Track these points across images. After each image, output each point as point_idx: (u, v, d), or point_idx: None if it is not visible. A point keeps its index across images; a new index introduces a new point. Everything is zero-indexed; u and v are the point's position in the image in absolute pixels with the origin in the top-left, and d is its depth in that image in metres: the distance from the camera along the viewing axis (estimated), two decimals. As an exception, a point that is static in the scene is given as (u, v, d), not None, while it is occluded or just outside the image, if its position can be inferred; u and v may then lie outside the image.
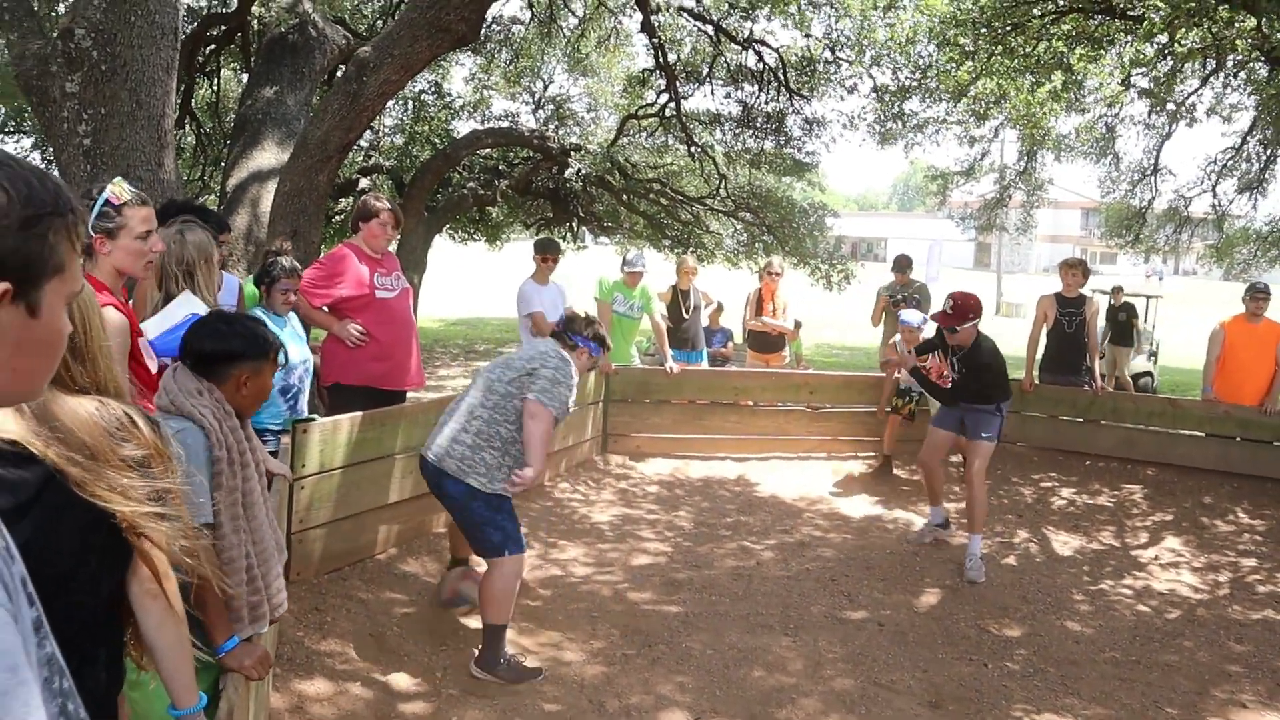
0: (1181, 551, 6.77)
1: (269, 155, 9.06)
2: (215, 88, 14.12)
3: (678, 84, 13.39)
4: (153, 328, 3.36)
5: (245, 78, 12.27)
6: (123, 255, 3.02)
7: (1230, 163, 14.36)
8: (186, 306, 3.47)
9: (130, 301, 3.35)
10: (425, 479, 4.55)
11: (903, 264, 9.01)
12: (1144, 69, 11.89)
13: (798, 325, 9.21)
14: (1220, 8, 8.72)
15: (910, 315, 7.48)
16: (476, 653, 4.40)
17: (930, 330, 7.44)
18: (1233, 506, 7.55)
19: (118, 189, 2.98)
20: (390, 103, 15.04)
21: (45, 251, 1.01)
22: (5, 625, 0.89)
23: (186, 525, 1.80)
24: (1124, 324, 13.79)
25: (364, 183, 14.14)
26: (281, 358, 2.74)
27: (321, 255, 6.35)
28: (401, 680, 4.25)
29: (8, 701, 0.85)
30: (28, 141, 15.64)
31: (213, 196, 13.44)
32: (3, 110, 16.04)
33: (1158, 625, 5.49)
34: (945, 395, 6.40)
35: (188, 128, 13.79)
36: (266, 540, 2.67)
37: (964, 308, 6.08)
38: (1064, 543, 6.84)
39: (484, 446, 4.34)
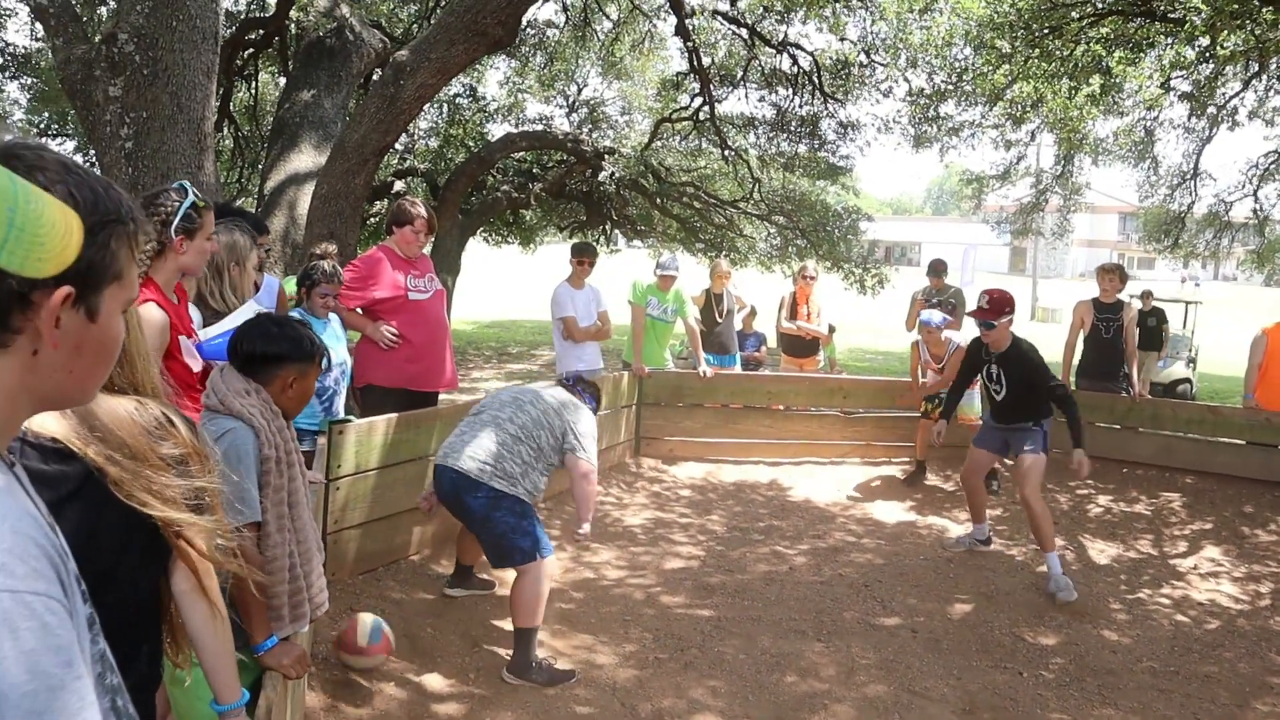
0: (1221, 561, 6.68)
1: (306, 158, 9.16)
2: (253, 91, 14.29)
3: (712, 87, 13.39)
4: (213, 331, 3.42)
5: (283, 81, 12.40)
6: (194, 255, 3.14)
7: (1272, 166, 14.16)
8: (250, 313, 3.52)
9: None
10: (442, 495, 4.53)
11: (938, 268, 8.97)
12: (1184, 72, 11.73)
13: (831, 330, 9.19)
14: (1264, 10, 8.60)
15: (930, 315, 7.47)
16: (509, 657, 4.42)
17: (956, 334, 7.42)
18: (1274, 515, 7.43)
19: (194, 192, 3.06)
20: (425, 106, 15.18)
21: (107, 258, 1.04)
22: (63, 622, 0.91)
23: (223, 525, 1.82)
24: (1153, 330, 13.33)
25: (399, 185, 14.25)
26: (324, 363, 2.79)
27: (357, 257, 6.41)
28: (434, 681, 4.27)
29: (65, 696, 0.86)
30: (71, 145, 15.90)
31: (250, 199, 13.60)
32: (47, 114, 16.30)
33: (1197, 636, 5.41)
34: (995, 408, 6.27)
35: (226, 131, 13.97)
36: (309, 539, 2.72)
37: (999, 301, 5.96)
38: (1101, 551, 6.77)
39: (508, 458, 4.43)
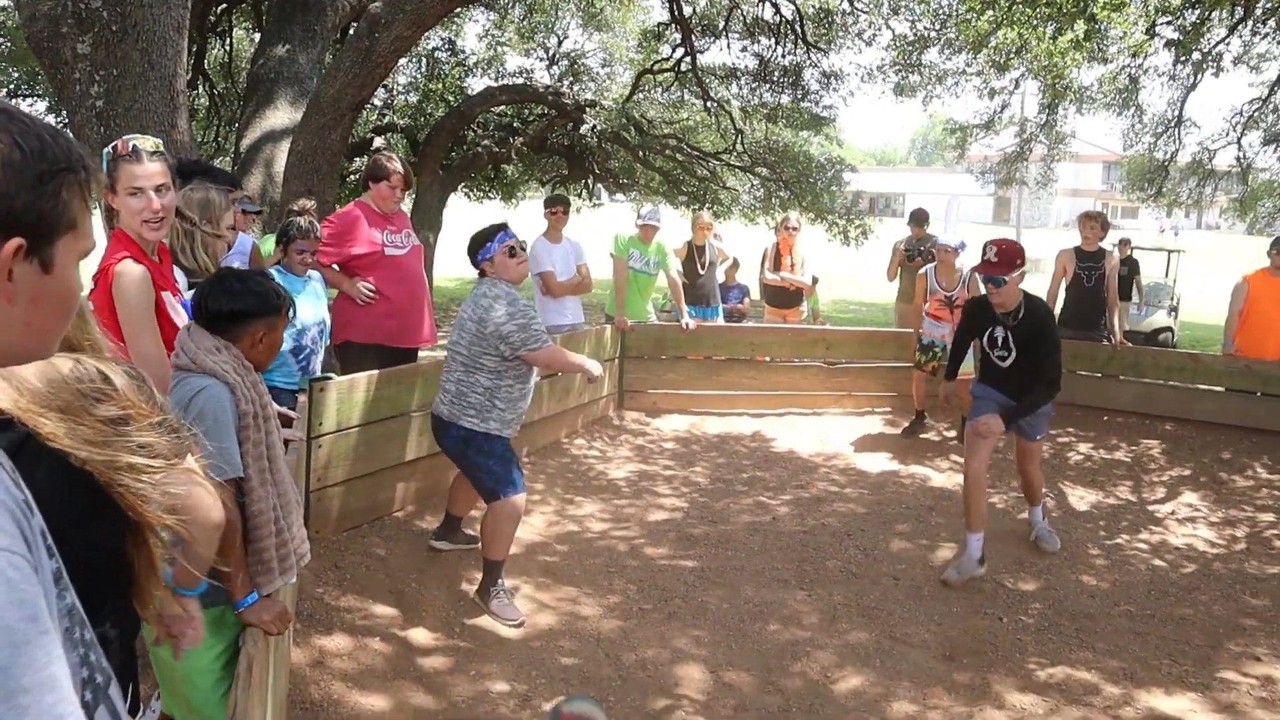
0: (1199, 506, 6.76)
1: (282, 115, 9.03)
2: (228, 47, 14.07)
3: (693, 38, 13.25)
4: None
5: (257, 37, 12.21)
6: (122, 210, 3.02)
7: (1257, 114, 14.13)
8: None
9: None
10: (434, 435, 4.77)
11: (920, 218, 8.95)
12: (1169, 18, 11.67)
13: (815, 281, 9.19)
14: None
15: (950, 237, 7.47)
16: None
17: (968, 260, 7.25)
18: (1252, 462, 7.51)
19: (130, 142, 2.98)
20: (403, 60, 14.96)
21: (59, 207, 1.02)
22: (27, 576, 0.90)
23: (176, 476, 1.80)
24: (1124, 279, 12.96)
25: (378, 141, 14.09)
26: (291, 312, 2.78)
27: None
28: (420, 635, 4.30)
29: (31, 651, 0.86)
30: (42, 105, 15.64)
31: (228, 158, 13.44)
32: (16, 74, 16.03)
33: (1173, 579, 5.49)
34: (998, 377, 5.47)
35: (201, 89, 13.77)
36: (289, 492, 2.73)
37: (1009, 253, 5.19)
38: (1080, 498, 6.84)
39: (468, 391, 4.52)
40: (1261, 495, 6.96)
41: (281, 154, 8.21)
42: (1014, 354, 5.32)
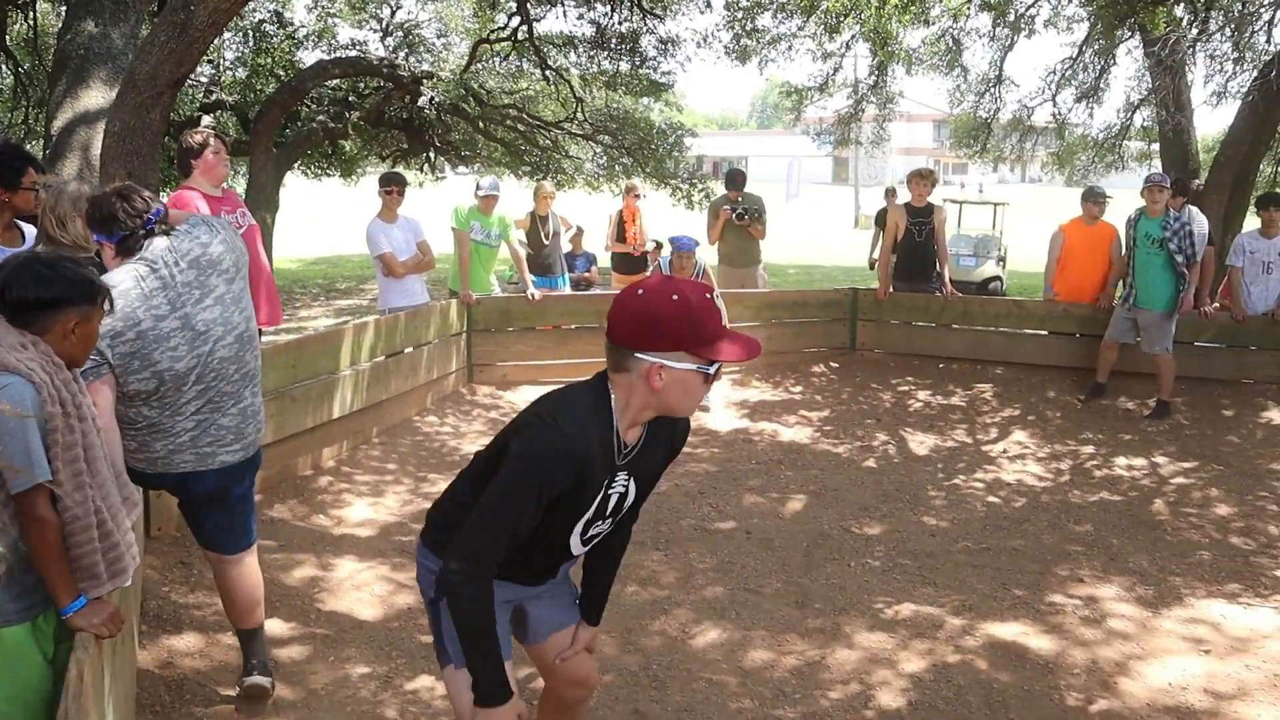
0: (1028, 444, 7.15)
1: (96, 94, 8.53)
2: (32, 21, 13.18)
3: (529, 6, 13.11)
4: None
5: (64, 10, 11.47)
6: None
7: (1069, 72, 14.86)
8: None
9: None
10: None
11: (737, 179, 9.04)
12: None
13: (658, 245, 9.27)
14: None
15: (687, 240, 7.57)
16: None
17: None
18: (1072, 399, 7.98)
19: None
20: (228, 34, 14.33)
21: None
22: None
23: None
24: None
25: (206, 120, 13.48)
26: (108, 304, 2.59)
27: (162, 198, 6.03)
28: (275, 625, 4.18)
29: None
30: None
31: (38, 141, 12.64)
32: None
33: (1006, 514, 5.80)
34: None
35: (4, 67, 12.89)
36: (112, 494, 2.56)
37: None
38: (920, 442, 7.14)
39: None
40: (1083, 431, 7.40)
41: (98, 136, 7.76)
42: None
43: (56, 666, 2.45)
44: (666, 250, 7.78)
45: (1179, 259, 7.43)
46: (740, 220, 8.71)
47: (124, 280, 3.08)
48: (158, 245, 3.18)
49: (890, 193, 12.19)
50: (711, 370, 2.16)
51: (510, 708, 2.24)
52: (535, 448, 2.14)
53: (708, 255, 9.77)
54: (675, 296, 2.11)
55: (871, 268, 13.02)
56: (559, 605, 2.53)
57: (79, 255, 3.53)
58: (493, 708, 2.23)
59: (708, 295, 2.15)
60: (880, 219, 11.55)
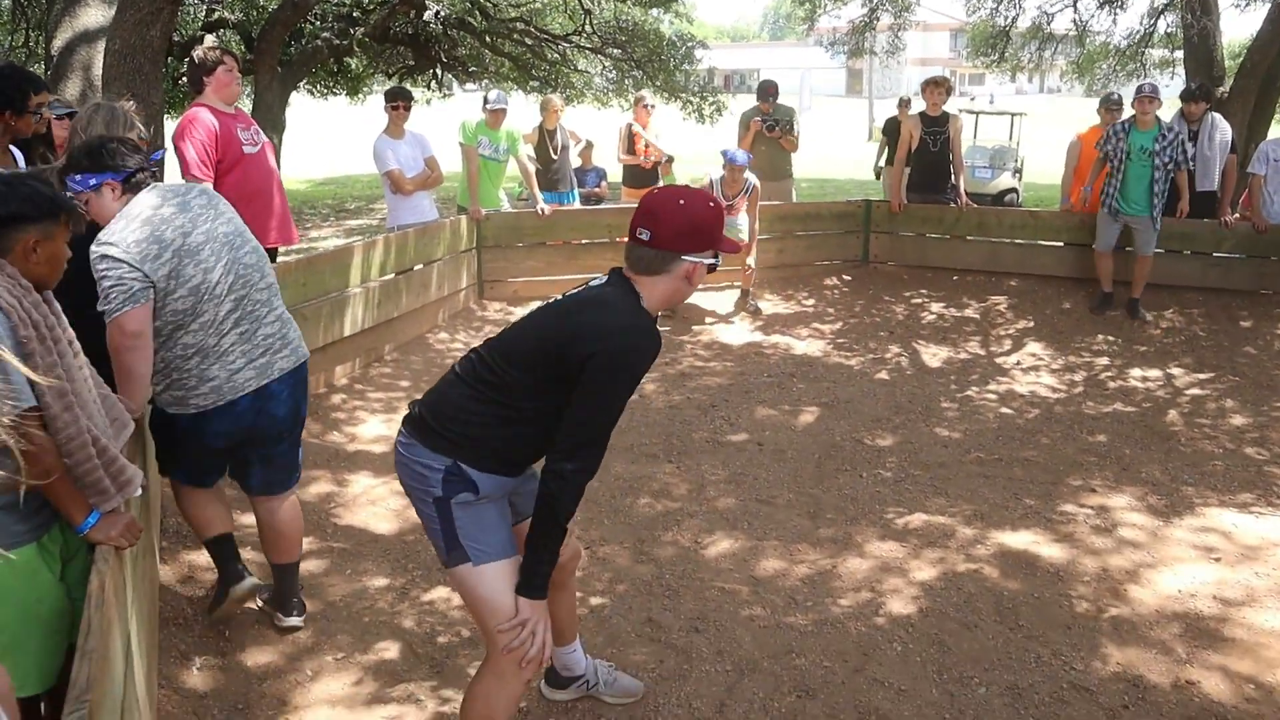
0: (1041, 356, 7.12)
1: (95, 13, 8.38)
2: (27, -61, 12.94)
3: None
4: None
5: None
6: None
7: (1091, -25, 14.46)
8: None
9: None
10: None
11: (768, 91, 8.88)
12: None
13: (670, 160, 9.14)
14: None
15: (739, 154, 7.53)
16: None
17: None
18: (1087, 311, 7.92)
19: None
20: (228, -53, 14.03)
21: None
22: None
23: None
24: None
25: (209, 39, 13.26)
26: (71, 221, 2.47)
27: (167, 119, 5.95)
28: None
29: None
30: None
31: (40, 63, 12.48)
32: None
33: (1019, 425, 5.80)
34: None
35: (1, -13, 12.67)
36: (96, 417, 2.50)
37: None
38: (933, 355, 7.12)
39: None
40: (1098, 341, 7.36)
41: (98, 56, 7.65)
42: None
43: (66, 584, 2.46)
44: (680, 168, 7.68)
45: (1172, 169, 7.50)
46: (771, 132, 8.57)
47: (145, 205, 3.05)
48: (161, 184, 3.17)
49: (904, 102, 11.89)
50: (716, 262, 2.52)
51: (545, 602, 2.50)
52: (640, 346, 2.38)
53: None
54: (711, 203, 2.46)
55: (878, 177, 12.83)
56: (532, 492, 2.57)
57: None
58: (540, 600, 2.47)
59: (713, 204, 2.49)
60: (889, 129, 11.26)
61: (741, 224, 7.73)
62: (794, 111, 8.89)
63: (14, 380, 2.21)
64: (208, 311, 3.12)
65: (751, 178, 7.68)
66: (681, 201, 2.42)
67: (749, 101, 9.93)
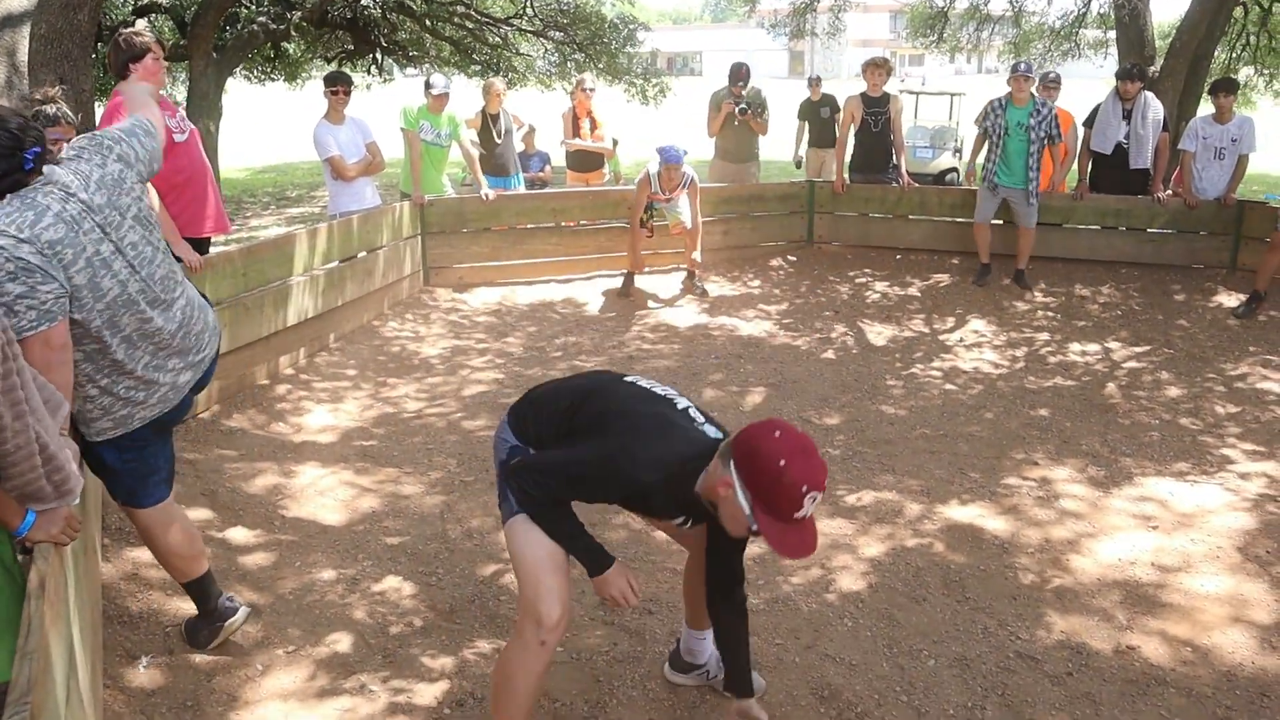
0: (984, 332, 7.23)
1: (20, -6, 8.16)
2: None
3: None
4: None
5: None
6: None
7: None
8: None
9: None
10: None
11: (739, 73, 8.78)
12: None
13: (615, 144, 9.12)
14: None
15: (675, 152, 7.62)
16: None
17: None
18: (1029, 286, 8.05)
19: None
20: (157, -71, 13.70)
21: None
22: None
23: None
24: (826, 121, 10.76)
25: (141, 24, 12.94)
26: None
27: (97, 106, 5.78)
28: (239, 534, 4.19)
29: None
30: None
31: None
32: None
33: (963, 401, 5.89)
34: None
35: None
36: (46, 418, 2.41)
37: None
38: (879, 333, 7.19)
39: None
40: (1038, 317, 7.49)
41: (24, 40, 7.44)
42: None
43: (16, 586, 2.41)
44: (624, 151, 7.65)
45: (1044, 143, 7.89)
46: (744, 115, 8.55)
47: (49, 210, 2.68)
48: (58, 172, 2.79)
49: (815, 81, 11.51)
50: (753, 529, 2.31)
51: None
52: (608, 464, 2.44)
53: (705, 148, 9.61)
54: (782, 462, 2.23)
55: (798, 166, 11.94)
56: None
57: None
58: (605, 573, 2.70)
59: (807, 490, 2.24)
60: (803, 112, 11.13)
61: (682, 207, 7.75)
62: (764, 95, 8.88)
63: None
64: (125, 322, 2.89)
65: (689, 171, 7.70)
66: (777, 433, 2.30)
67: (692, 84, 9.94)
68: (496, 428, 2.82)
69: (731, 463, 2.30)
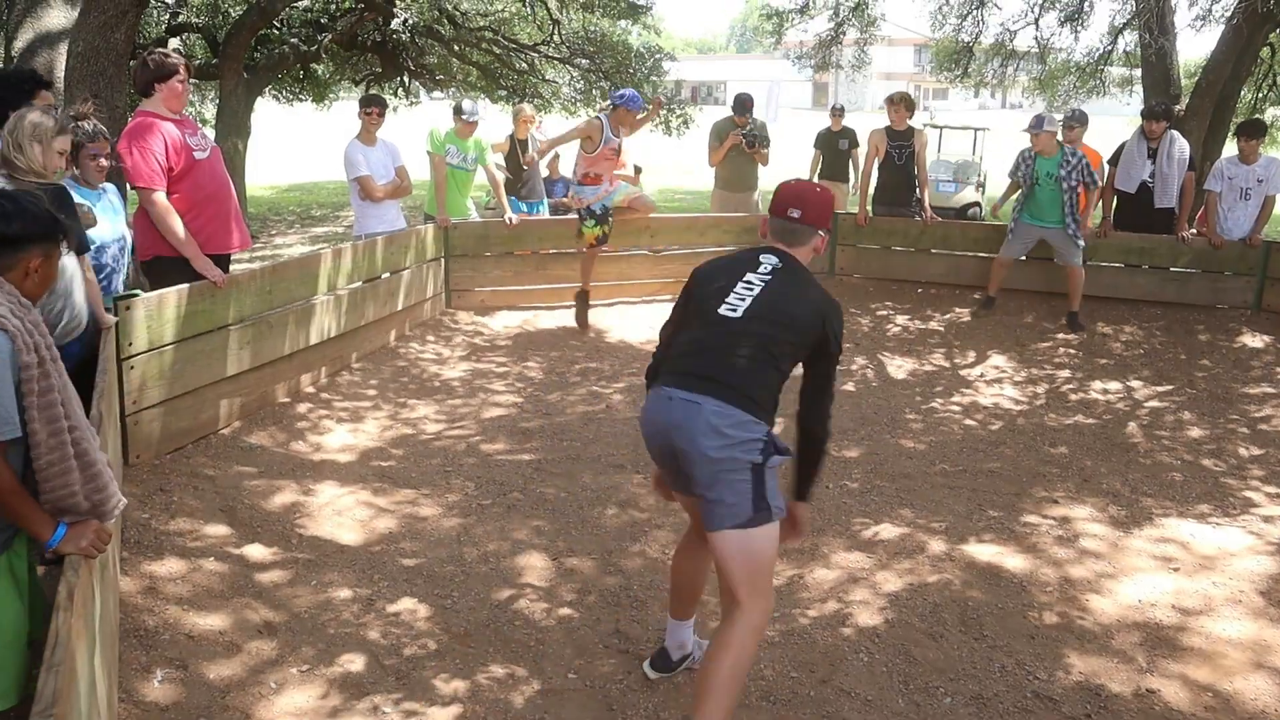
0: (1005, 368, 7.20)
1: (58, 14, 8.29)
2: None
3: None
4: None
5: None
6: None
7: (1052, -6, 14.65)
8: None
9: None
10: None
11: (745, 104, 8.90)
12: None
13: (638, 170, 9.18)
14: None
15: (634, 98, 7.45)
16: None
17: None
18: (1050, 324, 8.03)
19: None
20: (194, -49, 13.93)
21: None
22: None
23: None
24: (843, 154, 11.04)
25: (174, 43, 13.16)
26: (64, 245, 2.45)
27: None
28: (256, 551, 4.21)
29: None
30: None
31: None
32: None
33: (982, 437, 5.86)
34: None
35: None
36: (86, 426, 2.48)
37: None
38: (899, 367, 7.18)
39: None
40: (1059, 355, 7.46)
41: (61, 58, 7.57)
42: None
43: (29, 595, 2.43)
44: (647, 179, 7.66)
45: (1079, 190, 7.80)
46: (750, 147, 8.61)
47: None
48: None
49: (838, 111, 11.57)
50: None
51: None
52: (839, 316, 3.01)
53: (706, 178, 9.60)
54: (820, 188, 3.09)
55: None
56: None
57: (35, 183, 3.45)
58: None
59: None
60: (820, 142, 11.21)
61: (621, 186, 7.78)
62: (766, 126, 8.95)
63: (4, 410, 2.18)
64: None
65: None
66: (818, 189, 3.06)
67: (716, 113, 9.96)
68: (690, 432, 2.84)
69: (821, 230, 3.06)
